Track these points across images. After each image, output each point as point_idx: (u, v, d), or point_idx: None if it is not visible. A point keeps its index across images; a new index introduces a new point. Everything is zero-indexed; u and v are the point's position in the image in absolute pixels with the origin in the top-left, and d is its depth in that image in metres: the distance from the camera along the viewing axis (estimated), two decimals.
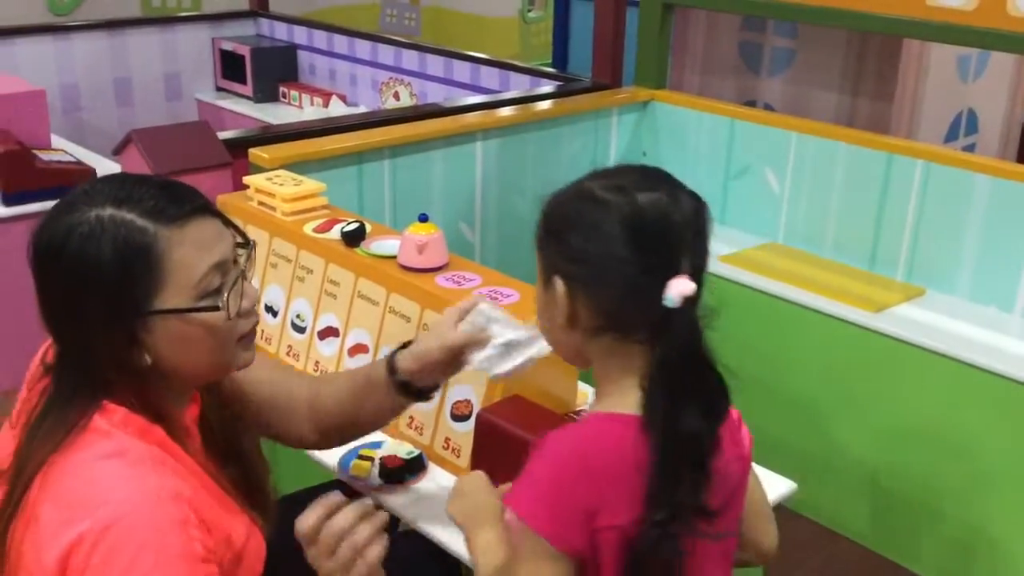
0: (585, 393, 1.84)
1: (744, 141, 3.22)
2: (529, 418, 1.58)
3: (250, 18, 5.37)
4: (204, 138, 2.66)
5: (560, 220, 1.14)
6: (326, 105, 4.77)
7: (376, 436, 1.73)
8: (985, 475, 2.47)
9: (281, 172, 2.28)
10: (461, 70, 4.35)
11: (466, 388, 1.72)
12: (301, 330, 2.04)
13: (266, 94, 5.03)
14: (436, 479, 1.72)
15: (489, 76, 4.23)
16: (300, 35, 5.12)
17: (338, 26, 5.06)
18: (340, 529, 1.13)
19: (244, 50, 4.99)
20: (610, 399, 1.15)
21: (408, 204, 2.83)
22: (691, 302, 1.07)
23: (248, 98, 5.05)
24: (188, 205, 1.16)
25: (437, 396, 1.61)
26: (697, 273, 1.10)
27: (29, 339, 1.27)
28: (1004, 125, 3.92)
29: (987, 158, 3.30)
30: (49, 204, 1.17)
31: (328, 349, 1.98)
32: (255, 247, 1.26)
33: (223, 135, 2.75)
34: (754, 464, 1.29)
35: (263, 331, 2.08)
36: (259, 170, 2.41)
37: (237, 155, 2.62)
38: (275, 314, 2.10)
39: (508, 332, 1.42)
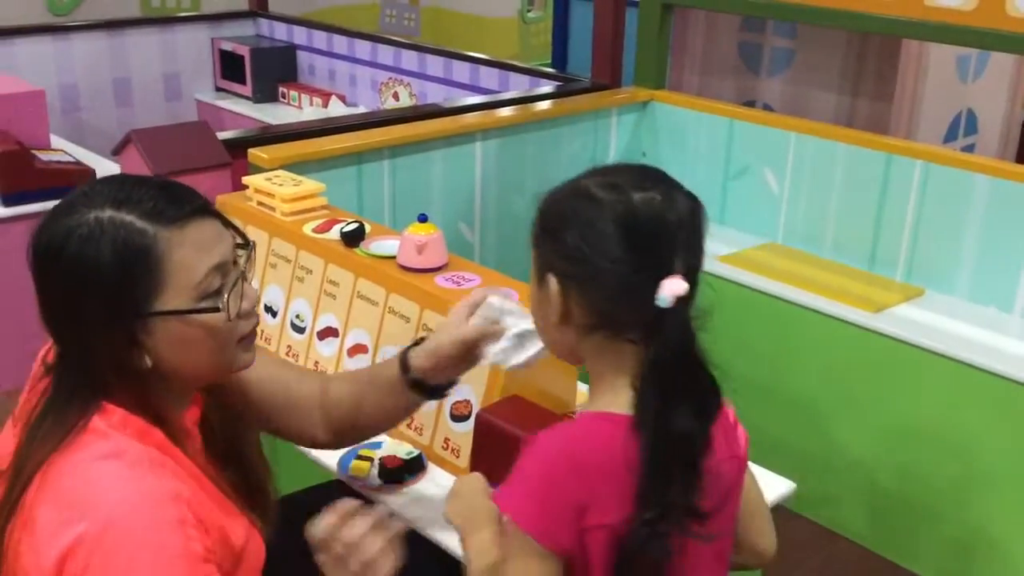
0: (584, 393, 1.83)
1: (743, 141, 3.22)
2: (528, 418, 1.58)
3: (249, 18, 5.37)
4: (203, 138, 2.66)
5: (555, 217, 1.14)
6: (325, 105, 4.77)
7: (375, 436, 1.73)
8: (984, 475, 2.47)
9: (280, 172, 2.28)
10: (460, 70, 4.35)
11: (465, 388, 1.72)
12: (300, 330, 2.04)
13: (265, 94, 5.03)
14: (435, 479, 1.72)
15: (488, 76, 4.23)
16: (299, 35, 5.13)
17: (337, 26, 5.06)
18: (351, 540, 1.12)
19: (243, 50, 4.99)
20: (602, 398, 1.15)
21: (407, 204, 2.83)
22: (684, 302, 1.07)
23: (247, 98, 5.05)
24: (187, 206, 1.15)
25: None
26: (691, 273, 1.09)
27: (29, 339, 1.27)
28: (1003, 125, 3.92)
29: (986, 158, 3.31)
30: (48, 204, 1.17)
31: (327, 349, 1.98)
32: (255, 248, 1.25)
33: (222, 135, 2.75)
34: (753, 464, 1.29)
35: (262, 331, 2.08)
36: (258, 170, 2.41)
37: (236, 155, 2.62)
38: (274, 314, 2.10)
39: (521, 322, 1.40)
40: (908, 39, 3.30)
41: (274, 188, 2.15)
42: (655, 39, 3.43)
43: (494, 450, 1.57)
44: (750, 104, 3.76)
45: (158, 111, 4.96)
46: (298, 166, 2.47)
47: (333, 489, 1.76)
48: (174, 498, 1.11)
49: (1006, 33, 2.61)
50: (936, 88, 3.52)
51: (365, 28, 5.30)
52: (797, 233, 3.13)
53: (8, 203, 2.92)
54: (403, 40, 4.78)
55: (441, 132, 2.92)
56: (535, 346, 1.39)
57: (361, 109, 4.73)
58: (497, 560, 1.13)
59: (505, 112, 3.20)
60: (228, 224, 1.22)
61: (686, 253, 1.09)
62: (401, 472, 1.71)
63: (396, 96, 4.64)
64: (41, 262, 1.13)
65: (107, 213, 1.11)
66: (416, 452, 1.75)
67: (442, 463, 1.76)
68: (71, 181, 2.83)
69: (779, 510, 1.61)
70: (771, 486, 1.64)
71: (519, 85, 4.01)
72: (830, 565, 2.69)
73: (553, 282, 1.13)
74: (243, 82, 5.04)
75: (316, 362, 2.00)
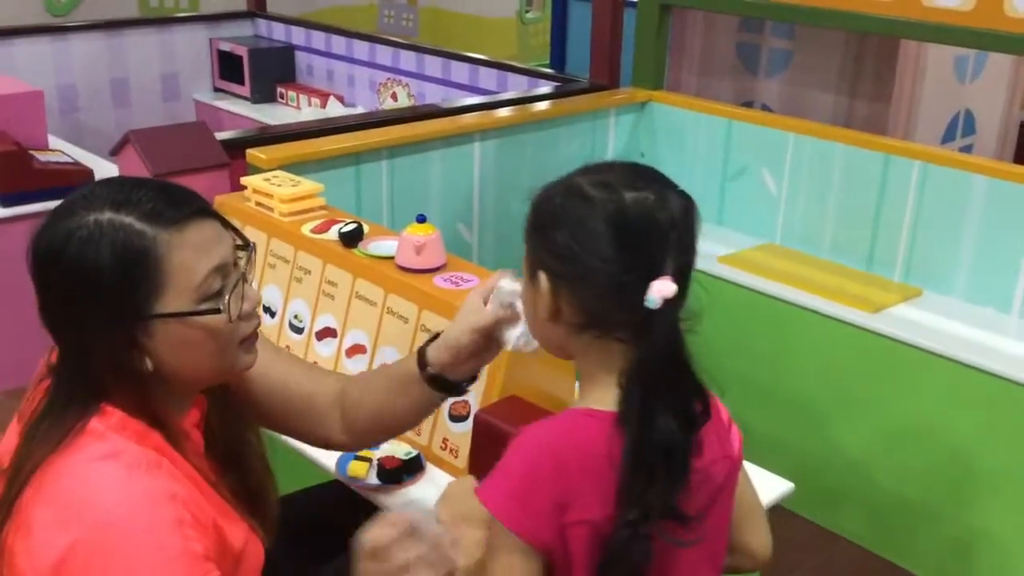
0: None
1: (741, 142, 3.23)
2: (527, 418, 1.57)
3: (248, 19, 5.37)
4: (202, 139, 2.66)
5: (547, 215, 1.13)
6: (324, 106, 4.77)
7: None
8: (982, 475, 2.47)
9: (279, 173, 2.28)
10: (459, 71, 4.35)
11: None
12: (299, 331, 2.04)
13: (264, 95, 5.04)
14: (434, 480, 1.72)
15: (487, 77, 4.23)
16: (298, 36, 5.12)
17: (336, 27, 5.06)
18: (402, 564, 1.09)
19: (242, 51, 4.99)
20: (591, 395, 1.15)
21: (406, 205, 2.83)
22: (672, 304, 1.06)
23: (246, 99, 5.05)
24: (187, 208, 1.15)
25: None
26: (683, 273, 1.08)
27: (29, 339, 1.27)
28: (1001, 126, 3.92)
29: (984, 159, 3.31)
30: (47, 205, 1.17)
31: (326, 350, 1.99)
32: (255, 249, 1.25)
33: (221, 136, 2.75)
34: (751, 464, 1.29)
35: (262, 332, 2.08)
36: (257, 171, 2.41)
37: (235, 156, 2.62)
38: (273, 315, 2.10)
39: None
40: (906, 40, 3.30)
41: (272, 188, 2.15)
42: (653, 40, 3.43)
43: (493, 450, 1.56)
44: (748, 105, 3.76)
45: (156, 111, 4.96)
46: (296, 166, 2.47)
47: (332, 489, 1.76)
48: (171, 498, 1.10)
49: (1004, 34, 2.62)
50: (934, 89, 3.52)
51: (363, 28, 5.30)
52: (795, 233, 3.13)
53: (6, 204, 2.92)
54: (401, 40, 4.78)
55: (439, 133, 2.92)
56: None
57: (359, 109, 4.72)
58: (482, 557, 1.13)
59: (503, 113, 3.20)
60: (228, 225, 1.21)
61: (678, 253, 1.08)
62: (399, 473, 1.71)
63: (394, 96, 4.64)
64: (41, 265, 1.13)
65: (106, 215, 1.11)
66: (415, 453, 1.75)
67: (441, 463, 1.76)
68: (69, 181, 2.84)
69: (777, 510, 1.60)
70: (769, 486, 1.64)
71: (517, 86, 4.01)
72: (829, 565, 2.69)
73: (544, 280, 1.12)
74: (241, 82, 5.04)
75: (314, 363, 2.00)
